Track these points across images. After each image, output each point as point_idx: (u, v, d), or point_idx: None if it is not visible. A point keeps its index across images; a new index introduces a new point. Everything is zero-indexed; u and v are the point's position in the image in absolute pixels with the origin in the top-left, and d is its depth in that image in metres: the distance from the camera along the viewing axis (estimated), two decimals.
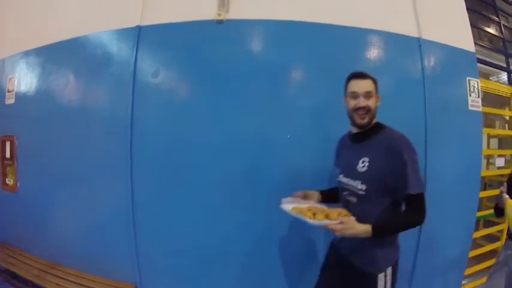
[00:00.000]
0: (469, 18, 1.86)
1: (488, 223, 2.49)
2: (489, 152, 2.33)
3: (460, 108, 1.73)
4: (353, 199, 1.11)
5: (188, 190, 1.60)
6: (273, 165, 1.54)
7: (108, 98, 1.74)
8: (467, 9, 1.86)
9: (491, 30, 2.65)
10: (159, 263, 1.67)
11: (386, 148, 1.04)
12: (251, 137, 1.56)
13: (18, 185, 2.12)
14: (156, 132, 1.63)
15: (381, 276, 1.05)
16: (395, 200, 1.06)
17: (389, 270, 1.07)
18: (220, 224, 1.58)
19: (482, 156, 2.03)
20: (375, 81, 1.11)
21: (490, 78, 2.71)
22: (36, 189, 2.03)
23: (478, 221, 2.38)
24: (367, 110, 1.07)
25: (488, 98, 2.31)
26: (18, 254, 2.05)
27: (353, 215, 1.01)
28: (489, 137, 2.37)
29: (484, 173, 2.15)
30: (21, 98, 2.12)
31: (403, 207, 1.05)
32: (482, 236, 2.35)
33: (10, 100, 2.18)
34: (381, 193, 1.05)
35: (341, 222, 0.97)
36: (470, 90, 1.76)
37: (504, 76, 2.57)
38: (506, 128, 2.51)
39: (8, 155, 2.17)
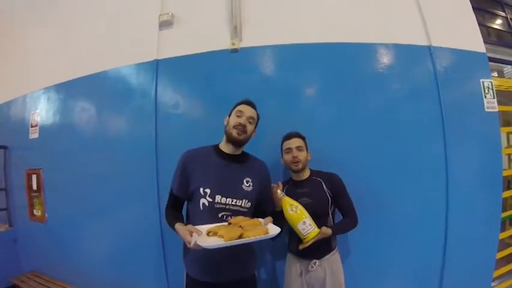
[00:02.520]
0: (476, 18, 1.84)
1: None
2: (510, 150, 2.27)
3: (476, 110, 1.71)
4: None
5: None
6: None
7: (131, 129, 1.80)
8: (473, 9, 1.86)
9: (498, 26, 2.62)
10: None
11: (261, 171, 1.27)
12: (266, 158, 1.57)
13: (46, 215, 2.19)
14: None
15: None
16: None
17: None
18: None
19: (504, 155, 2.00)
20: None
21: (504, 70, 2.66)
22: (65, 219, 2.09)
23: (504, 221, 2.33)
24: (245, 129, 1.19)
25: (505, 93, 2.27)
26: (48, 281, 2.09)
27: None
28: (509, 134, 2.32)
29: (507, 172, 2.10)
30: (45, 132, 2.20)
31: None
32: (510, 236, 2.28)
33: (34, 135, 2.27)
34: (253, 209, 1.23)
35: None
36: (484, 91, 1.74)
37: None
38: None
39: (34, 187, 2.25)
